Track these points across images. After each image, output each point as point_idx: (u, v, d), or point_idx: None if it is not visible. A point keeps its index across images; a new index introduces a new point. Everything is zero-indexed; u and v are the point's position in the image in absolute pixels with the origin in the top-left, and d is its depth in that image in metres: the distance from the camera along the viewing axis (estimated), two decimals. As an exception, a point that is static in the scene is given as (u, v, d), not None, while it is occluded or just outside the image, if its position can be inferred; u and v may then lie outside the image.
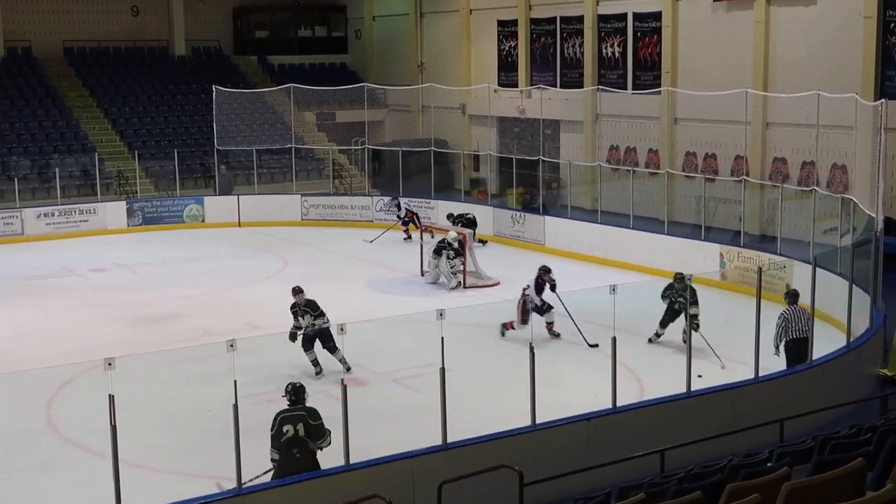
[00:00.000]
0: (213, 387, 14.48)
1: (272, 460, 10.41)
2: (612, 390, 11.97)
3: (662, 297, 16.89)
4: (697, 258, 22.22)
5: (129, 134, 34.79)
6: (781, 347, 14.38)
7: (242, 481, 9.93)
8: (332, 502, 9.36)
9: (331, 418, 10.57)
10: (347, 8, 42.04)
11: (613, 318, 12.23)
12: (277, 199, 31.65)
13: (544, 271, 17.74)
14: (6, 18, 36.24)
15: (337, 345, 15.43)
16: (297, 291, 16.21)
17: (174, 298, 21.54)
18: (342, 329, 10.30)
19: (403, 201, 28.80)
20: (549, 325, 17.47)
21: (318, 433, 10.40)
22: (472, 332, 17.71)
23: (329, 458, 10.40)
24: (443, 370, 10.56)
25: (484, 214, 27.87)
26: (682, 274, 16.37)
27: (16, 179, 30.18)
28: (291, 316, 16.13)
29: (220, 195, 31.84)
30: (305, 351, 15.66)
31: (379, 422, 13.43)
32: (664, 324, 17.03)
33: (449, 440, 10.72)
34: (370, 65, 40.52)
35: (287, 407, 10.52)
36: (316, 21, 42.45)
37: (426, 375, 12.92)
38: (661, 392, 13.02)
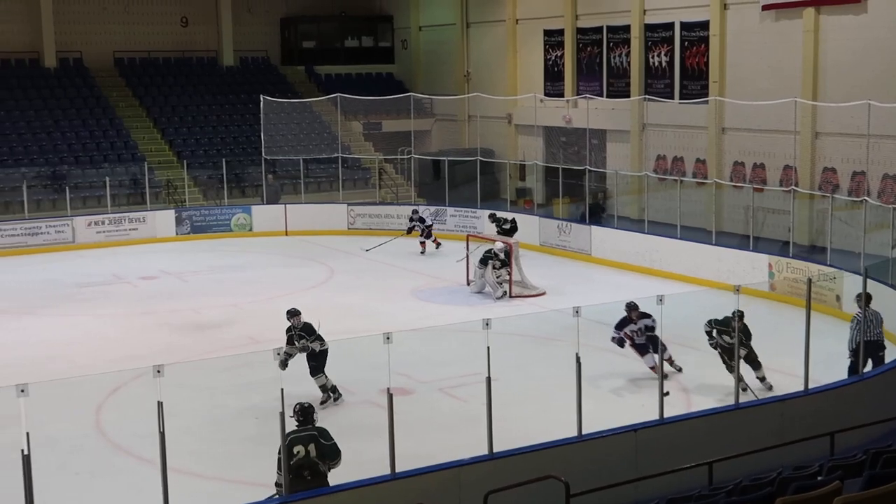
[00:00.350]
0: (259, 394, 14.61)
1: (276, 484, 10.21)
2: (660, 401, 11.89)
3: (710, 333, 15.04)
4: (746, 269, 22.03)
5: (178, 143, 35.17)
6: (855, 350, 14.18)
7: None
8: (378, 511, 9.39)
9: (377, 426, 10.58)
10: (394, 18, 42.20)
11: (661, 328, 12.15)
12: (324, 208, 31.82)
13: (630, 308, 15.74)
14: (58, 29, 36.77)
15: (323, 370, 14.85)
16: (293, 314, 15.13)
17: (222, 306, 21.72)
18: (388, 338, 10.28)
19: (422, 210, 28.61)
20: (653, 368, 15.51)
21: (332, 453, 10.19)
22: (518, 341, 17.67)
23: (375, 467, 10.40)
24: (489, 379, 10.54)
25: (530, 224, 27.82)
26: (742, 312, 14.27)
27: (67, 188, 30.63)
28: (286, 340, 15.03)
29: (267, 204, 32.10)
30: (313, 376, 14.90)
31: (425, 431, 13.43)
32: (732, 369, 14.38)
33: (495, 450, 10.70)
34: (416, 75, 40.64)
35: (296, 427, 10.29)
36: (363, 31, 42.65)
37: (472, 385, 12.92)
38: (709, 404, 12.92)
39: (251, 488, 11.11)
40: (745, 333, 14.63)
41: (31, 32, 36.67)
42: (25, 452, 8.56)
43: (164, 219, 30.66)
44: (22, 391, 8.39)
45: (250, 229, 31.14)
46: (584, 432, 11.25)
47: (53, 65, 36.76)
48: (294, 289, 23.59)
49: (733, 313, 13.95)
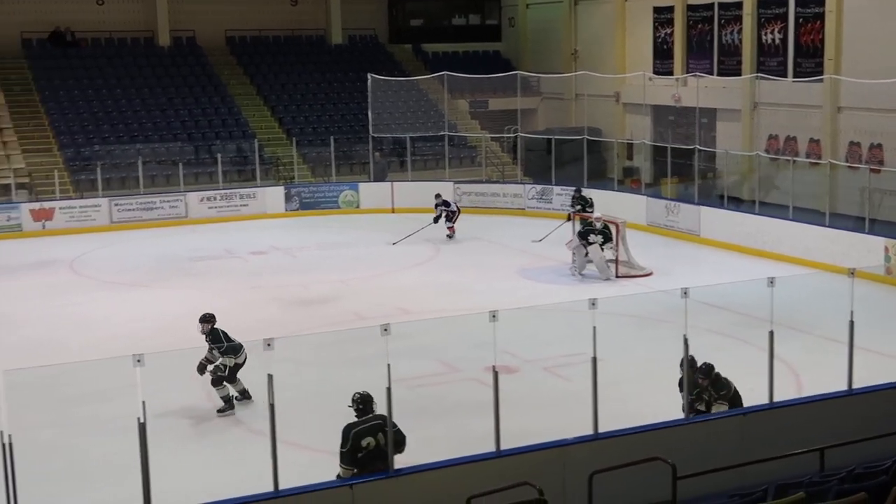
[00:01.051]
0: (366, 370, 14.71)
1: (339, 478, 9.99)
2: (769, 385, 11.66)
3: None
4: (860, 252, 21.44)
5: (288, 121, 35.65)
6: None
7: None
8: (482, 487, 9.40)
9: (482, 403, 10.60)
10: (501, -4, 42.08)
11: (771, 311, 11.89)
12: (430, 185, 31.90)
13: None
14: (172, 9, 37.59)
15: (237, 377, 13.99)
16: (203, 320, 14.17)
17: (329, 282, 22.00)
18: (494, 316, 10.19)
19: (452, 198, 27.61)
20: None
21: (400, 438, 9.98)
22: (624, 322, 17.52)
23: (480, 443, 10.43)
24: (594, 360, 10.47)
25: (637, 204, 27.53)
26: (710, 365, 12.13)
27: (180, 164, 31.32)
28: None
29: (374, 181, 32.36)
30: (214, 386, 14.04)
31: (530, 409, 13.41)
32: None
33: (600, 430, 10.63)
34: (523, 53, 40.43)
35: (357, 419, 10.12)
36: (470, 9, 42.59)
37: (577, 364, 12.83)
38: (820, 388, 12.62)
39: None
40: (718, 385, 12.08)
41: (146, 12, 37.58)
42: (141, 420, 8.80)
43: (273, 195, 31.17)
44: (138, 361, 8.61)
45: (358, 206, 31.45)
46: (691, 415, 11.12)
47: (167, 43, 37.61)
48: (400, 266, 23.79)
49: (700, 366, 11.96)
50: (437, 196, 27.31)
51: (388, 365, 9.66)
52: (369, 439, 9.92)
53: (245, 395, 14.26)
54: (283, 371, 9.95)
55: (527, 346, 16.10)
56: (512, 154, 35.45)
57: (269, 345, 9.26)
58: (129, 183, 31.14)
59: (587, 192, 26.82)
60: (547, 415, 13.45)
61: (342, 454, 9.95)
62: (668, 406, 11.40)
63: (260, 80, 37.36)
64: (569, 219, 25.79)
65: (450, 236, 26.57)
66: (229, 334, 14.24)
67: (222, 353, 13.92)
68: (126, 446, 9.24)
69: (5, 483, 8.83)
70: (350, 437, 9.91)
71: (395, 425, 10.00)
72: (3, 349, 16.79)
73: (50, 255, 25.55)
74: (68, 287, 22.30)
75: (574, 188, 27.18)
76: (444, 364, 15.86)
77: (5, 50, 35.52)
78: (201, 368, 14.08)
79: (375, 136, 33.33)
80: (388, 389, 9.79)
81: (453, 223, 26.72)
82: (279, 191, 31.40)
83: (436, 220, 26.62)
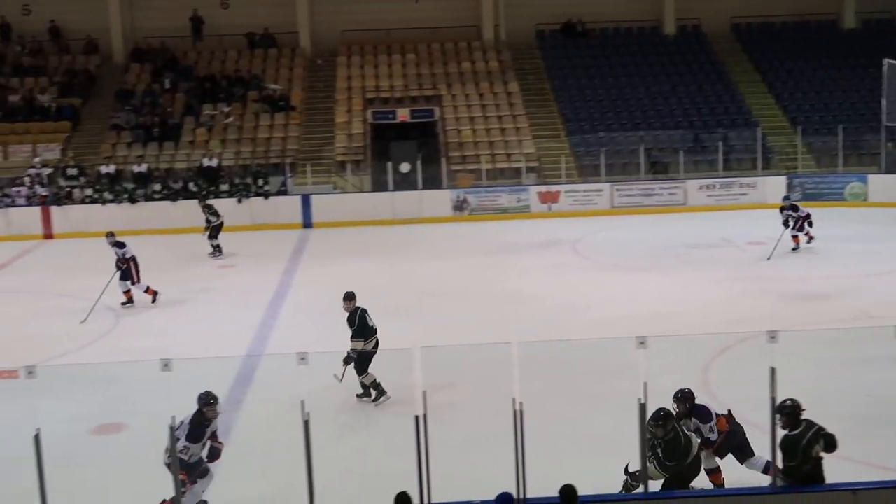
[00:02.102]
0: (872, 372, 13.99)
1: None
2: None
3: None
4: None
5: (793, 109, 34.63)
6: None
7: None
8: None
9: None
10: None
11: None
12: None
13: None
14: (679, -2, 37.99)
15: (367, 369, 13.40)
16: (346, 298, 13.44)
17: (830, 277, 21.12)
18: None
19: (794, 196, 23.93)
20: None
21: (832, 440, 9.22)
22: None
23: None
24: None
25: None
26: (667, 411, 10.14)
27: (681, 152, 31.56)
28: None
29: (885, 174, 30.53)
30: (358, 373, 13.53)
31: None
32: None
33: None
34: None
35: (790, 433, 9.25)
36: None
37: None
38: None
39: (861, 468, 10.69)
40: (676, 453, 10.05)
41: (652, 1, 38.26)
42: (642, 401, 9.04)
43: (774, 184, 30.44)
44: (641, 343, 8.85)
45: (865, 199, 29.84)
46: None
47: (672, 32, 38.02)
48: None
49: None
50: (785, 199, 24.46)
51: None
52: (817, 447, 9.36)
53: (369, 389, 13.63)
54: (783, 365, 9.74)
55: None
56: None
57: (773, 337, 9.10)
58: (630, 169, 31.91)
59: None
60: None
61: (790, 468, 9.34)
62: None
63: (765, 67, 36.59)
64: None
65: (795, 248, 23.62)
66: (369, 317, 13.52)
67: (351, 337, 13.39)
68: (625, 423, 9.52)
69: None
70: (800, 449, 9.28)
71: (823, 428, 9.36)
72: (515, 321, 17.96)
73: (554, 235, 26.95)
74: (571, 267, 23.35)
75: None
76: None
77: (521, 41, 37.86)
78: (347, 359, 13.39)
79: (889, 125, 31.38)
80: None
81: (800, 231, 23.54)
82: (780, 180, 30.61)
83: (785, 224, 23.54)
